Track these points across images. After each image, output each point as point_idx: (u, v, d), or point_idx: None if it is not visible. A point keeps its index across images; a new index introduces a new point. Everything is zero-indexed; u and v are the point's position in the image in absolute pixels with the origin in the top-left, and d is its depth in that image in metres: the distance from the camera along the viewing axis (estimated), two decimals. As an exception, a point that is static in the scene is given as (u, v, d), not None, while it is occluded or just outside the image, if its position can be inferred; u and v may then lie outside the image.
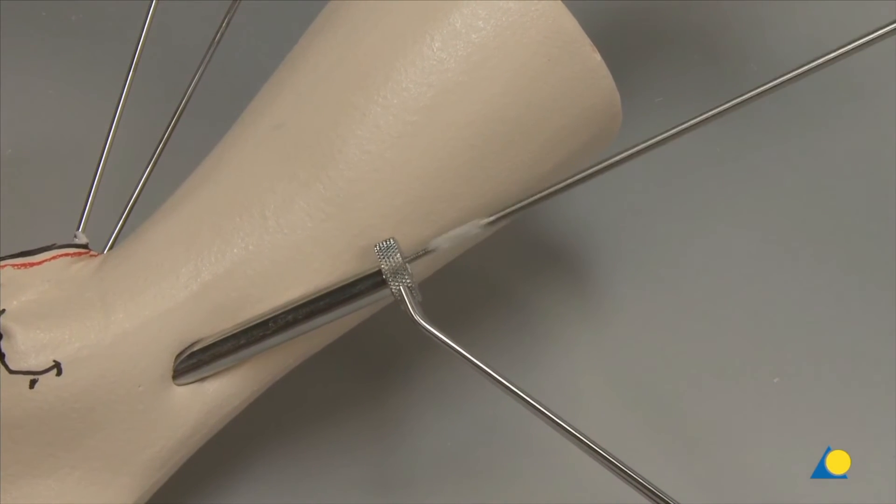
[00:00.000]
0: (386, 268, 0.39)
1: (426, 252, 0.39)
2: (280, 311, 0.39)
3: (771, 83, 0.37)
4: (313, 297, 0.39)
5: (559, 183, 0.39)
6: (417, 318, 0.39)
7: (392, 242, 0.39)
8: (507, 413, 0.45)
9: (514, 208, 0.40)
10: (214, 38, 0.44)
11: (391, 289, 0.39)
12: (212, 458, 0.42)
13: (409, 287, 0.39)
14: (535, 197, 0.40)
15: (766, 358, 0.48)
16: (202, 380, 0.40)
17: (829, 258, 0.50)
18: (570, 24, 0.40)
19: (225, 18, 0.44)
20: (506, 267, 0.51)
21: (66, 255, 0.40)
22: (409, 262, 0.39)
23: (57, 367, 0.37)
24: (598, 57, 0.41)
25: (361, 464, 0.46)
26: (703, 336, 0.49)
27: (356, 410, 0.47)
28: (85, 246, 0.41)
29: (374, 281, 0.39)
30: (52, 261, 0.40)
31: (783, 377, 0.47)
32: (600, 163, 0.39)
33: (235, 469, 0.46)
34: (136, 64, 0.43)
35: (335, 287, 0.39)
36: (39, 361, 0.37)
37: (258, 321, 0.39)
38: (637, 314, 0.49)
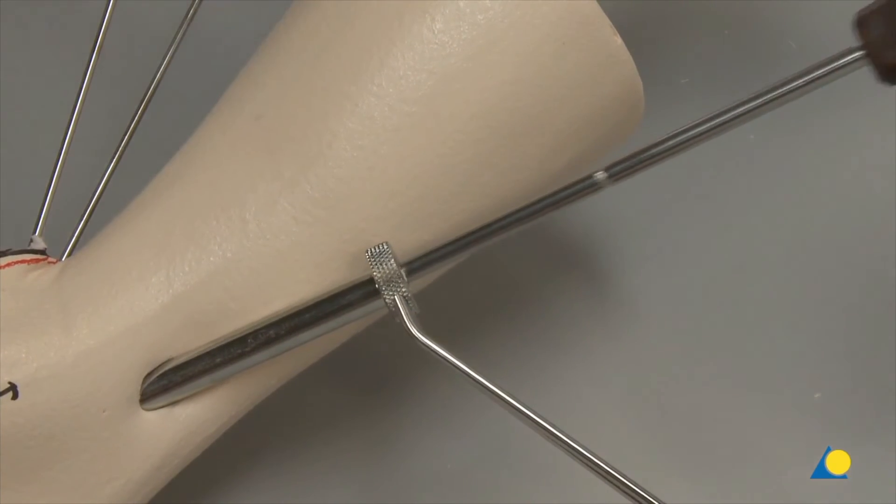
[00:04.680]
0: (379, 275, 0.37)
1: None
2: (261, 326, 0.38)
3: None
4: (297, 309, 0.38)
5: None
6: (414, 331, 0.37)
7: (385, 247, 0.38)
8: (511, 433, 0.44)
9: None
10: (185, 18, 0.43)
11: (385, 299, 0.38)
12: (189, 483, 0.41)
13: (404, 297, 0.38)
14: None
15: (798, 369, 0.48)
16: (173, 403, 0.39)
17: (840, 264, 0.50)
18: (586, 2, 0.39)
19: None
20: (515, 270, 0.50)
21: (22, 261, 0.39)
22: (406, 270, 0.38)
23: (13, 389, 0.36)
24: (618, 40, 0.39)
25: (353, 486, 0.46)
26: (726, 344, 0.48)
27: (347, 429, 0.47)
28: (42, 252, 0.40)
29: (365, 291, 0.38)
30: (6, 268, 0.39)
31: (820, 391, 0.47)
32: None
33: (216, 493, 0.45)
34: (100, 46, 0.42)
35: (322, 298, 0.38)
36: None
37: (236, 337, 0.38)
38: (658, 322, 0.49)
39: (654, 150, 0.36)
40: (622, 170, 0.36)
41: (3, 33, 0.56)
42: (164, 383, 0.38)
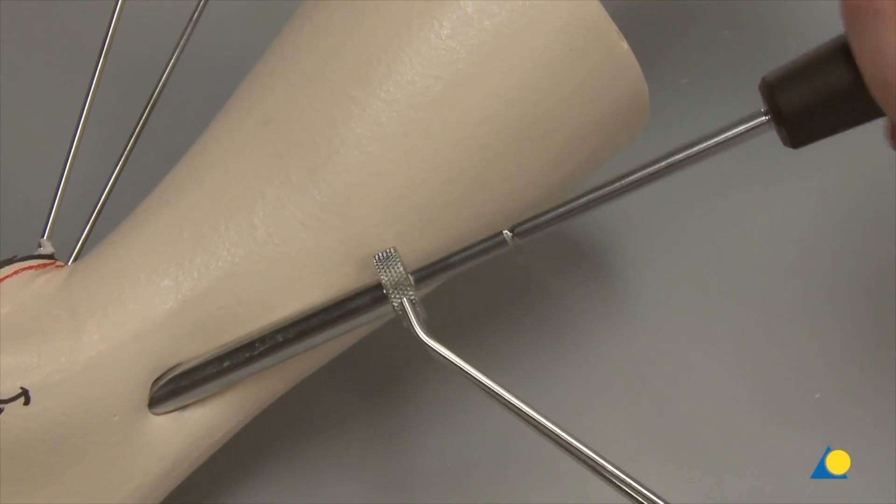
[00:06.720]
0: (386, 280, 0.38)
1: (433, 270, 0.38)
2: (269, 331, 0.38)
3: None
4: (306, 314, 0.38)
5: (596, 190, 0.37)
6: (422, 335, 0.38)
7: (393, 252, 0.38)
8: (514, 433, 0.43)
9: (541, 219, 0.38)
10: (190, 21, 0.43)
11: (392, 304, 0.38)
12: (194, 482, 0.42)
13: (412, 301, 0.38)
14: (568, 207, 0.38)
15: (798, 369, 0.48)
16: (183, 408, 0.39)
17: (840, 264, 0.50)
18: (594, 8, 0.39)
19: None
20: (519, 271, 0.50)
21: (30, 267, 0.39)
22: (414, 275, 0.38)
23: (25, 394, 0.37)
24: (625, 45, 0.40)
25: (355, 484, 0.46)
26: (727, 345, 0.49)
27: (350, 427, 0.47)
28: (50, 256, 0.40)
29: (373, 296, 0.38)
30: (14, 276, 0.39)
31: (821, 391, 0.47)
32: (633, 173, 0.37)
33: (221, 491, 0.46)
34: (107, 51, 0.42)
35: (330, 303, 0.38)
36: (6, 388, 0.36)
37: (244, 342, 0.38)
38: (659, 323, 0.49)
39: (559, 211, 0.37)
40: (526, 229, 0.37)
41: (9, 38, 0.56)
42: (172, 388, 0.38)
